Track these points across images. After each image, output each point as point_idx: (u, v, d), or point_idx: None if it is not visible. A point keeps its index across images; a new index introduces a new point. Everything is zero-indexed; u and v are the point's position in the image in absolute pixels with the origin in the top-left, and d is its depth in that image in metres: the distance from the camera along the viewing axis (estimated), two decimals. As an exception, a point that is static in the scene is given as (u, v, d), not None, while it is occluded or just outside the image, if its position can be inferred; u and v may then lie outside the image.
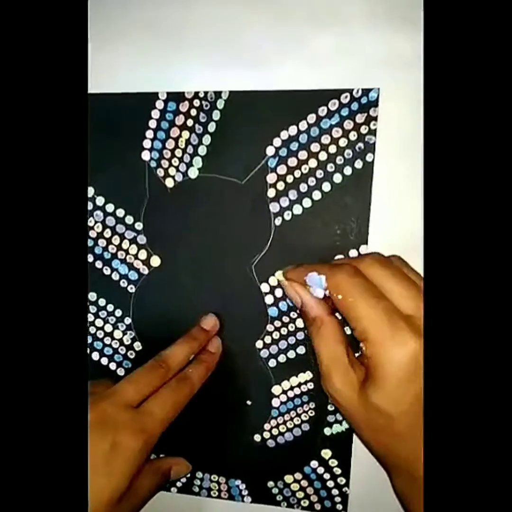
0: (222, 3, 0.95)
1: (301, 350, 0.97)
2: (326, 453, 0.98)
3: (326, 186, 0.94)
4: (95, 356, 1.07)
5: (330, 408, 0.96)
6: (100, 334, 1.06)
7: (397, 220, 0.92)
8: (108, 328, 1.05)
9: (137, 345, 1.05)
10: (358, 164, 0.92)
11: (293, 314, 0.97)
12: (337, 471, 0.98)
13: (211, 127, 0.99)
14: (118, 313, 1.04)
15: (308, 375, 0.97)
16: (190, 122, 1.00)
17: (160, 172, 1.03)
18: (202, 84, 0.98)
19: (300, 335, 0.97)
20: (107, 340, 1.06)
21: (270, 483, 1.00)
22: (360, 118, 0.92)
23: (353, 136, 0.92)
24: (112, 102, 1.01)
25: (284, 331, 0.98)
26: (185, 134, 1.00)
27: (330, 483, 0.98)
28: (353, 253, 0.93)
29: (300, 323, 0.97)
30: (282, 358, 0.98)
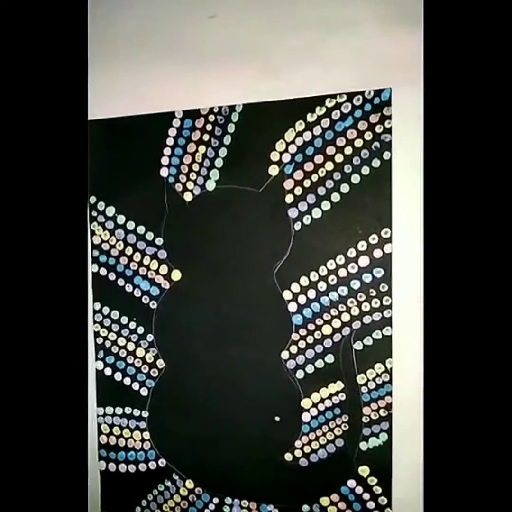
0: (233, 20, 0.99)
1: (329, 358, 0.93)
2: (363, 471, 0.91)
3: (345, 188, 0.93)
4: (117, 376, 1.04)
5: (365, 420, 0.90)
6: (122, 353, 1.04)
7: (421, 215, 0.89)
8: (131, 346, 1.03)
9: (160, 363, 1.02)
10: (376, 163, 0.91)
11: (319, 321, 0.93)
12: (377, 490, 0.90)
13: (227, 139, 1.00)
14: (141, 330, 1.03)
15: (338, 385, 0.92)
16: (206, 137, 1.02)
17: (179, 187, 1.04)
18: (217, 99, 1.01)
19: (328, 343, 0.93)
20: (130, 359, 1.03)
21: (305, 507, 0.93)
22: (374, 118, 0.92)
23: (368, 136, 0.92)
24: (130, 124, 1.04)
25: (310, 339, 0.94)
26: (202, 148, 1.02)
27: (371, 504, 0.90)
28: (377, 253, 0.91)
29: (326, 330, 0.93)
30: (310, 369, 0.94)
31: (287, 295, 0.95)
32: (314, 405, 0.93)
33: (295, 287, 0.94)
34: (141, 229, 1.04)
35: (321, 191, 0.94)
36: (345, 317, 0.92)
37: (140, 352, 1.03)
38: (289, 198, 0.96)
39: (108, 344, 1.04)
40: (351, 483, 0.90)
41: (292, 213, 0.95)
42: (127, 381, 1.04)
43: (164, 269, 1.02)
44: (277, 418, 0.94)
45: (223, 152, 1.00)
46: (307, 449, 0.93)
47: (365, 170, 0.92)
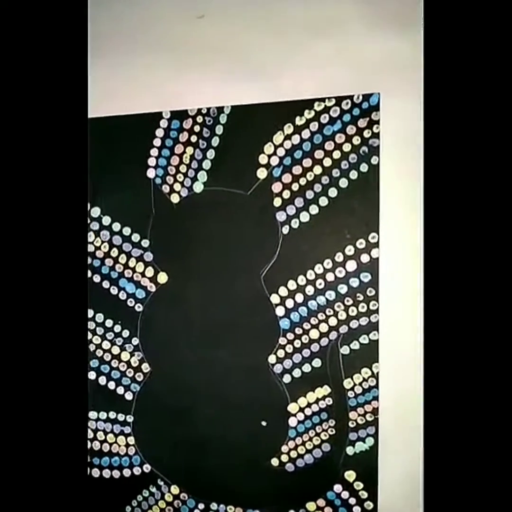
0: (221, 21, 0.98)
1: (316, 363, 0.92)
2: (350, 475, 0.90)
3: (333, 192, 0.93)
4: (102, 380, 1.02)
5: (351, 424, 0.90)
6: (107, 356, 1.02)
7: (408, 220, 0.89)
8: (115, 350, 1.02)
9: (145, 367, 1.01)
10: (364, 167, 0.91)
11: (307, 325, 0.93)
12: (363, 495, 0.90)
13: (215, 141, 0.99)
14: (126, 333, 1.01)
15: (325, 389, 0.91)
16: (194, 138, 1.01)
17: (166, 189, 1.03)
18: (205, 100, 1.00)
19: (315, 347, 0.93)
20: (114, 363, 1.02)
21: (291, 512, 0.93)
22: (362, 122, 0.92)
23: (356, 140, 0.92)
24: (117, 124, 1.02)
25: (297, 343, 0.94)
26: (189, 150, 1.01)
27: (357, 509, 0.90)
28: (365, 258, 0.91)
29: (314, 334, 0.93)
30: (297, 373, 0.93)
31: (274, 299, 0.94)
32: (301, 409, 0.92)
33: (282, 291, 0.94)
34: (127, 231, 1.03)
35: (309, 194, 0.94)
36: (332, 321, 0.91)
37: (125, 356, 1.01)
38: (277, 202, 0.95)
39: (92, 347, 1.03)
40: (338, 488, 0.90)
41: (280, 216, 0.95)
42: (111, 385, 1.02)
43: (150, 272, 1.01)
44: (263, 423, 0.93)
45: (211, 153, 0.99)
46: (293, 454, 0.92)
47: (353, 175, 0.91)
